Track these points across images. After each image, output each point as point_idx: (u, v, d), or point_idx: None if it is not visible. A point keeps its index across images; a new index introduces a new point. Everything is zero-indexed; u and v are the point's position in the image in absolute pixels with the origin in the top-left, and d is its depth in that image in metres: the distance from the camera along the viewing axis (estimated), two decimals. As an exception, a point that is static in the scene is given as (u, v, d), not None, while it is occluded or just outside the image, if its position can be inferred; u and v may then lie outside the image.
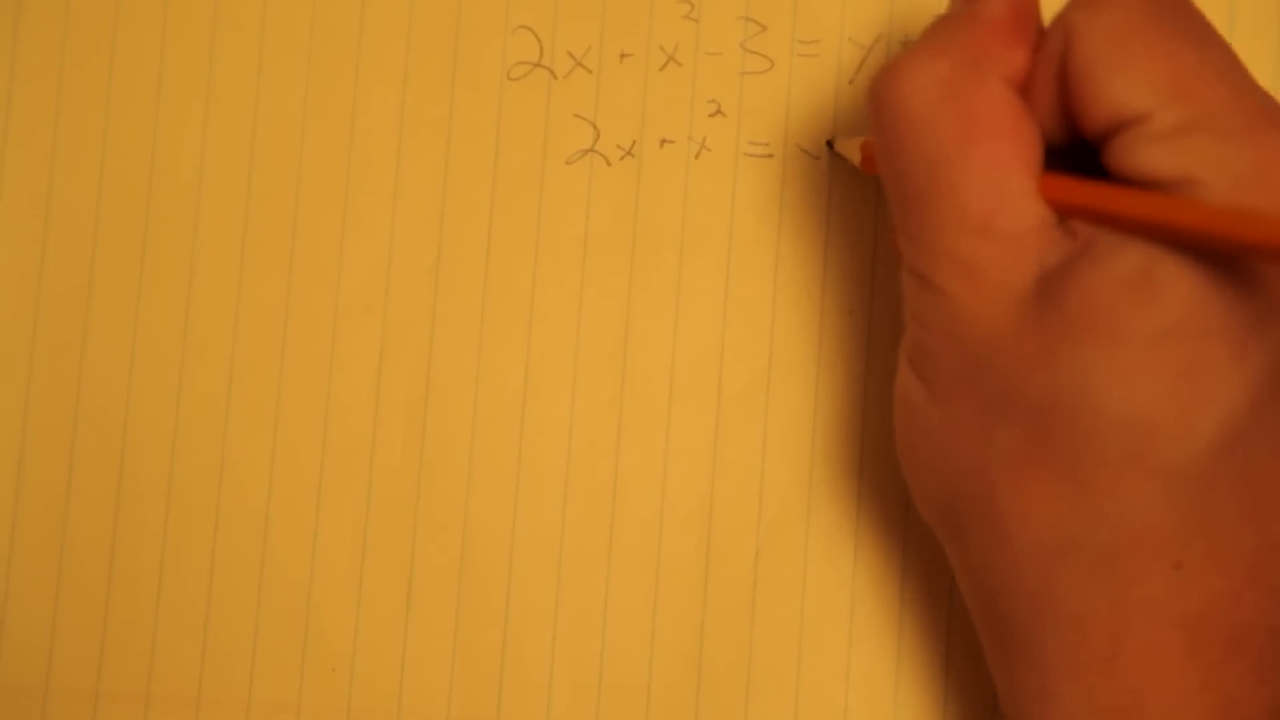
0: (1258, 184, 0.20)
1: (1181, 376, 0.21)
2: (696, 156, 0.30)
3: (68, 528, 0.30)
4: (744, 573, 0.29)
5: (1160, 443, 0.21)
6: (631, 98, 0.30)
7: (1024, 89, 0.23)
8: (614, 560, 0.29)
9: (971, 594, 0.24)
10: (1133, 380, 0.21)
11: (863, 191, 0.30)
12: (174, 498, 0.30)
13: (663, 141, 0.30)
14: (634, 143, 0.30)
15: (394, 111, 0.31)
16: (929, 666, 0.29)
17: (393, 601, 0.29)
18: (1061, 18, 0.22)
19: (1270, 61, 0.29)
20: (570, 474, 0.30)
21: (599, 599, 0.29)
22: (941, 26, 0.23)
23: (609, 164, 0.30)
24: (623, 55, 0.30)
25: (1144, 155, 0.21)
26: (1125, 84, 0.21)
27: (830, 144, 0.30)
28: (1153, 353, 0.21)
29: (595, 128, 0.30)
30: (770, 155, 0.30)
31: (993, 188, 0.22)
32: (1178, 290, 0.21)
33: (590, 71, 0.30)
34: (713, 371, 0.30)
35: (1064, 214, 0.22)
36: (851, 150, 0.28)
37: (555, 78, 0.30)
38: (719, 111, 0.30)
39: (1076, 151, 0.23)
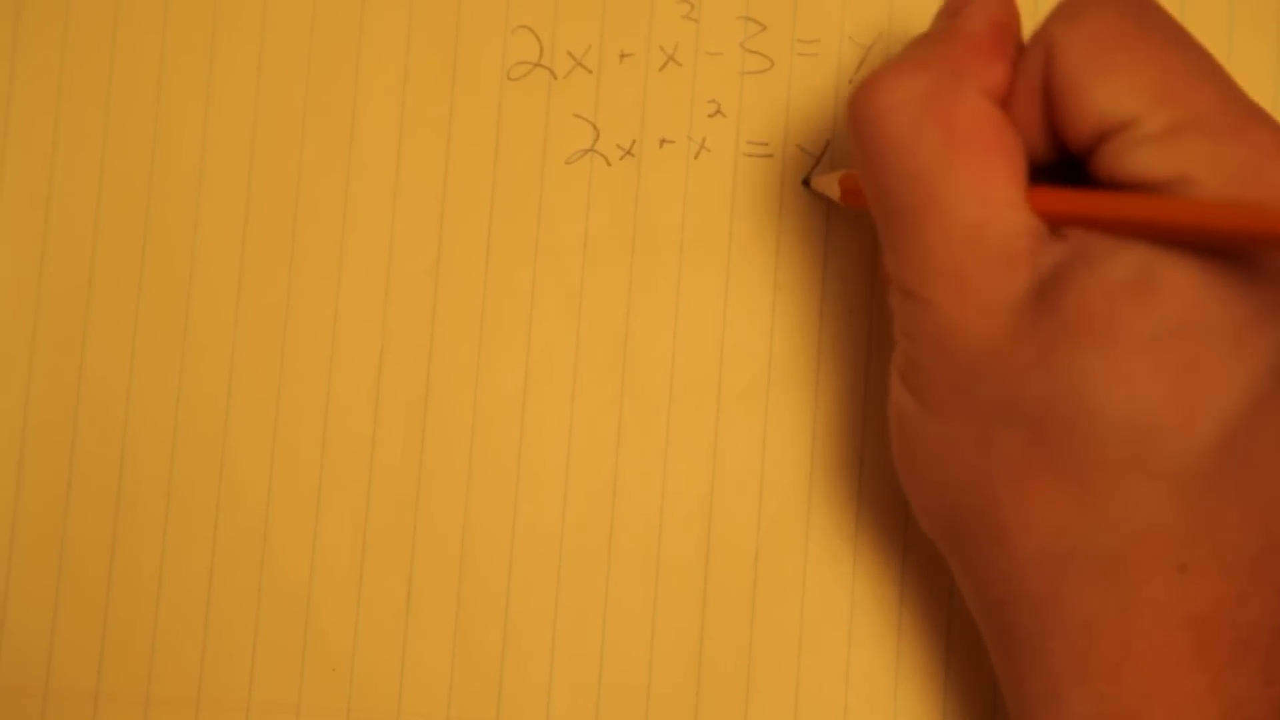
0: (1250, 179, 0.20)
1: (1182, 376, 0.21)
2: (696, 156, 0.30)
3: (68, 528, 0.30)
4: (744, 573, 0.29)
5: (1162, 444, 0.21)
6: (631, 98, 0.30)
7: (1005, 104, 0.23)
8: (614, 560, 0.29)
9: (976, 604, 0.24)
10: (1133, 382, 0.21)
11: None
12: (174, 498, 0.30)
13: (662, 141, 0.30)
14: (634, 143, 0.30)
15: (394, 111, 0.31)
16: (929, 667, 0.29)
17: (393, 601, 0.29)
18: (1042, 32, 0.22)
19: (1270, 61, 0.29)
20: (570, 474, 0.30)
21: (599, 599, 0.29)
22: (921, 43, 0.23)
23: (609, 164, 0.30)
24: (623, 55, 0.30)
25: (1135, 158, 0.21)
26: (1112, 90, 0.21)
27: (806, 181, 0.30)
28: (1152, 354, 0.21)
29: (595, 128, 0.30)
30: (770, 155, 0.30)
31: (978, 199, 0.22)
32: (1176, 290, 0.21)
33: (590, 71, 0.30)
34: (713, 372, 0.30)
35: (1058, 224, 0.22)
36: (829, 186, 0.28)
37: (555, 78, 0.30)
38: (719, 111, 0.30)
39: (1058, 170, 0.23)
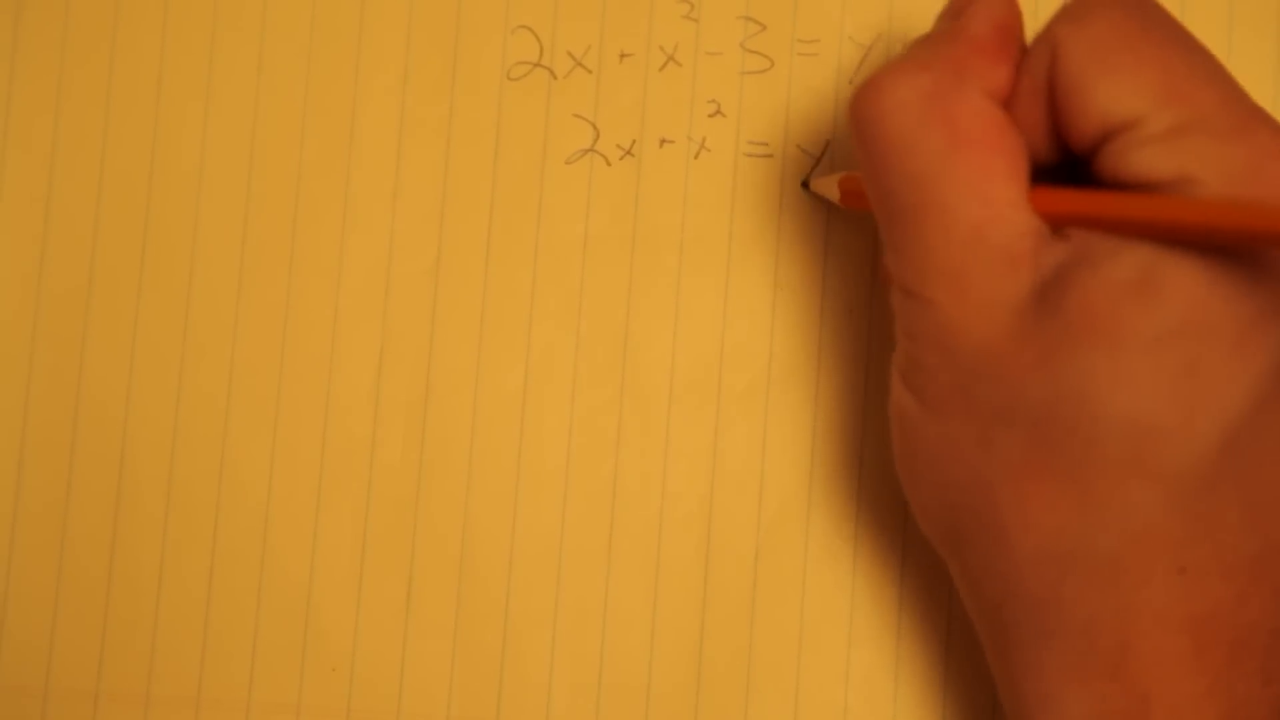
0: (1253, 179, 0.20)
1: (1183, 378, 0.21)
2: (696, 156, 0.30)
3: (68, 528, 0.30)
4: (744, 573, 0.29)
5: (1163, 446, 0.21)
6: (631, 98, 0.30)
7: (1008, 105, 0.23)
8: (614, 560, 0.29)
9: (974, 605, 0.24)
10: (1134, 383, 0.21)
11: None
12: (174, 498, 0.30)
13: (662, 141, 0.30)
14: (634, 143, 0.30)
15: (394, 111, 0.31)
16: (928, 667, 0.29)
17: (393, 601, 0.29)
18: (1047, 32, 0.22)
19: (1270, 61, 0.29)
20: (570, 474, 0.30)
21: (599, 599, 0.29)
22: (924, 43, 0.23)
23: (609, 164, 0.30)
24: (622, 55, 0.30)
25: (1139, 158, 0.21)
26: (1117, 90, 0.21)
27: (805, 184, 0.30)
28: (1154, 354, 0.21)
29: (595, 128, 0.30)
30: (770, 155, 0.30)
31: (980, 199, 0.22)
32: (1179, 290, 0.21)
33: (590, 71, 0.30)
34: (712, 371, 0.30)
35: (1061, 224, 0.22)
36: (829, 188, 0.28)
37: (555, 78, 0.30)
38: (719, 111, 0.30)
39: (1060, 170, 0.23)
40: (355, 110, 0.31)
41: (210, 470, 0.30)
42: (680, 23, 0.30)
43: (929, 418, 0.23)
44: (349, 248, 0.30)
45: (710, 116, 0.30)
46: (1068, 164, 0.23)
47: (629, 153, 0.30)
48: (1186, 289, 0.21)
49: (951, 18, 0.24)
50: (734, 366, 0.30)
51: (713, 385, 0.30)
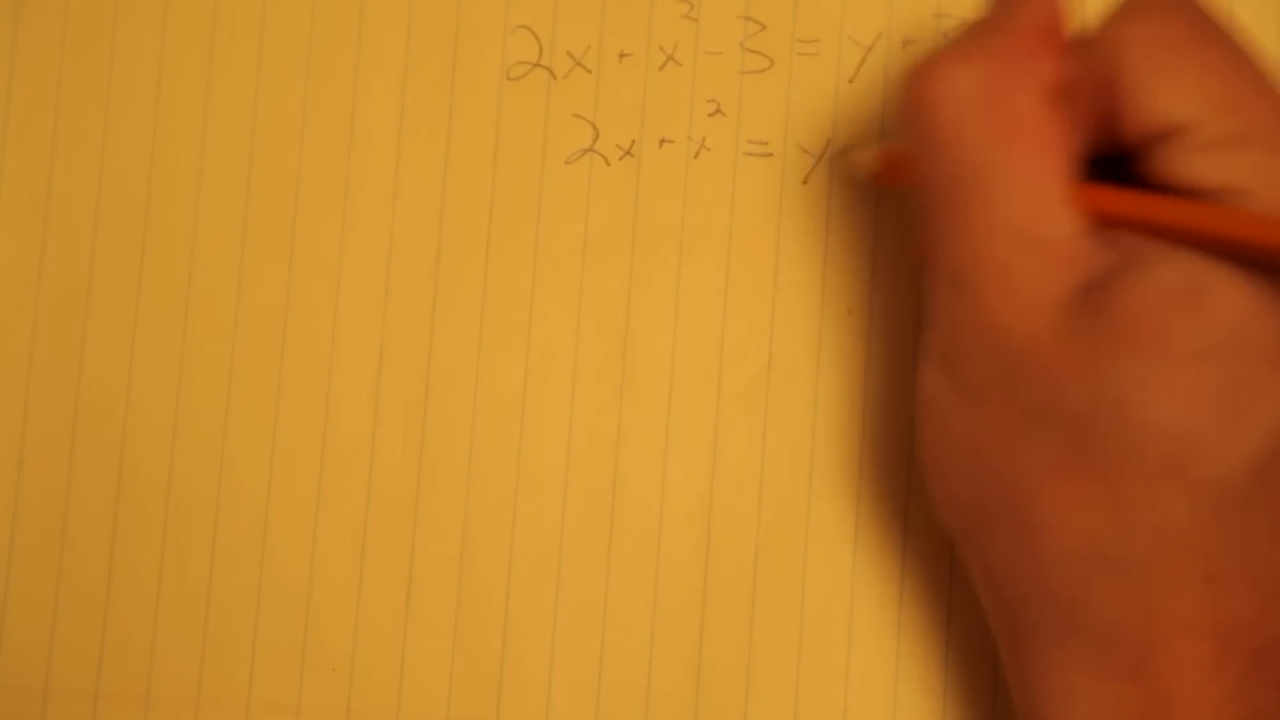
0: None
1: (1225, 393, 0.21)
2: (696, 156, 0.30)
3: (67, 527, 0.30)
4: (743, 573, 0.29)
5: (1200, 458, 0.21)
6: (631, 97, 0.30)
7: (1061, 98, 0.23)
8: (614, 560, 0.29)
9: (991, 598, 0.24)
10: (1177, 394, 0.21)
11: (863, 191, 0.30)
12: (174, 497, 0.30)
13: (662, 141, 0.30)
14: (633, 142, 0.30)
15: (393, 111, 0.31)
16: (928, 667, 0.29)
17: (392, 601, 0.29)
18: (1107, 29, 0.22)
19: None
20: (570, 474, 0.30)
21: (599, 599, 0.29)
22: (981, 30, 0.23)
23: (608, 164, 0.30)
24: (622, 55, 0.30)
25: (1190, 163, 0.21)
26: (1175, 93, 0.21)
27: (842, 153, 0.29)
28: (1198, 367, 0.21)
29: (594, 127, 0.30)
30: (770, 154, 0.30)
31: (1031, 195, 0.22)
32: (1225, 303, 0.21)
33: (589, 71, 0.30)
34: (712, 371, 0.30)
35: (1109, 224, 0.22)
36: (866, 160, 0.28)
37: (554, 77, 0.30)
38: (718, 111, 0.30)
39: (1102, 165, 0.23)
40: (355, 110, 0.31)
41: (210, 470, 0.30)
42: (680, 22, 0.30)
43: (965, 406, 0.23)
44: (349, 248, 0.30)
45: (710, 116, 0.30)
46: (1110, 157, 0.23)
47: (629, 152, 0.30)
48: (1232, 303, 0.21)
49: (1005, 4, 0.23)
50: (734, 366, 0.30)
51: (712, 385, 0.30)
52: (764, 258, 0.30)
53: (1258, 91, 0.21)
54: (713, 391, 0.30)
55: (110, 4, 0.31)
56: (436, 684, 0.29)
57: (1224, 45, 0.22)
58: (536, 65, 0.30)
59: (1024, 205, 0.22)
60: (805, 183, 0.30)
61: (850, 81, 0.30)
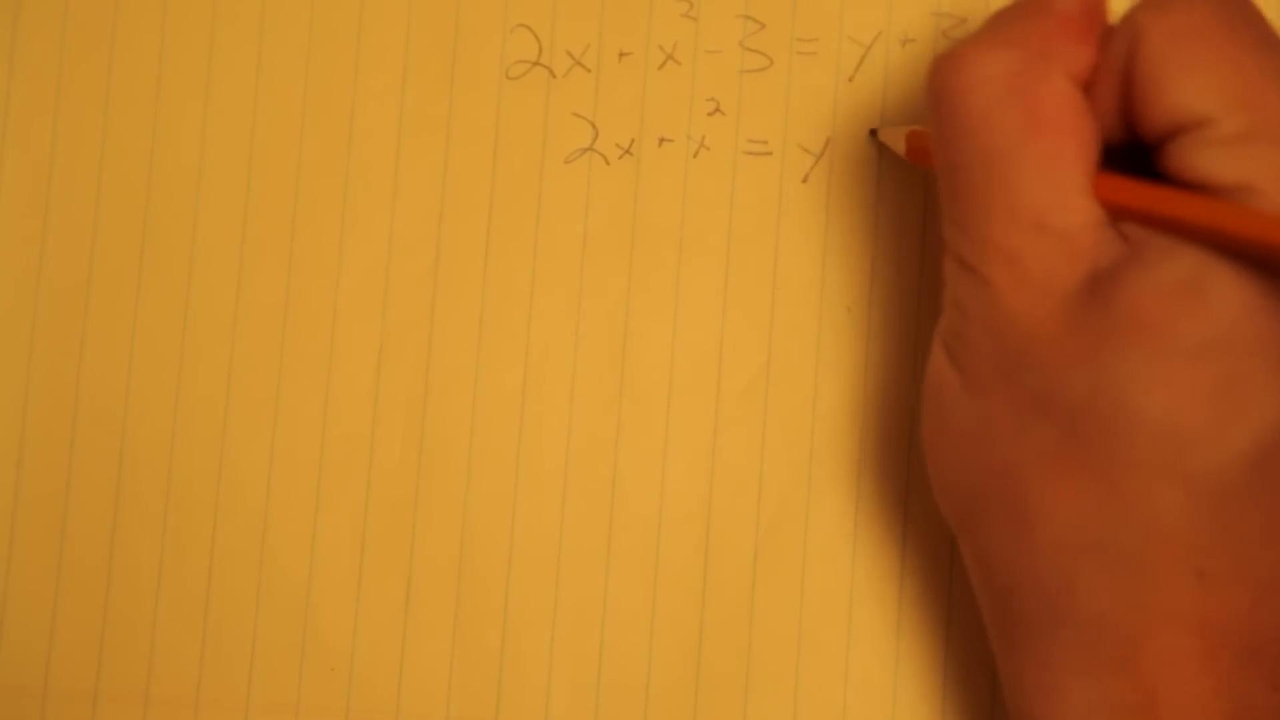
0: None
1: (1221, 390, 0.21)
2: (695, 155, 0.30)
3: (67, 527, 0.30)
4: (743, 572, 0.29)
5: (1194, 452, 0.21)
6: (630, 96, 0.30)
7: (1086, 87, 0.22)
8: (613, 560, 0.29)
9: (984, 587, 0.24)
10: (1173, 389, 0.21)
11: (862, 190, 0.30)
12: (173, 497, 0.30)
13: (661, 140, 0.30)
14: (633, 141, 0.30)
15: (393, 111, 0.31)
16: (928, 666, 0.29)
17: (391, 601, 0.29)
18: (1129, 17, 0.22)
19: None
20: (569, 474, 0.30)
21: (598, 599, 0.29)
22: (1010, 16, 0.23)
23: (608, 163, 0.30)
24: (621, 54, 0.30)
25: (1204, 160, 0.21)
26: (1191, 87, 0.21)
27: (874, 132, 0.29)
28: (1196, 363, 0.21)
29: (594, 126, 0.30)
30: (769, 153, 0.30)
31: (1050, 184, 0.22)
32: (1226, 301, 0.21)
33: (589, 70, 0.30)
34: (712, 371, 0.30)
35: (1117, 215, 0.22)
36: (896, 140, 0.28)
37: (554, 76, 0.30)
38: (718, 110, 0.30)
39: (1128, 153, 0.23)
40: (354, 109, 0.31)
41: (209, 469, 0.30)
42: (679, 21, 0.30)
43: (967, 394, 0.23)
44: (348, 247, 0.30)
45: (709, 115, 0.30)
46: (1134, 147, 0.23)
47: (628, 151, 0.30)
48: (1232, 300, 0.21)
49: None
50: (733, 366, 0.30)
51: (712, 384, 0.30)
52: (763, 257, 0.30)
53: (1276, 87, 0.21)
54: (712, 391, 0.30)
55: (110, 4, 0.31)
56: (436, 684, 0.29)
57: (1250, 39, 0.22)
58: (536, 64, 0.30)
59: (1045, 194, 0.22)
60: (804, 182, 0.30)
61: (849, 80, 0.30)
